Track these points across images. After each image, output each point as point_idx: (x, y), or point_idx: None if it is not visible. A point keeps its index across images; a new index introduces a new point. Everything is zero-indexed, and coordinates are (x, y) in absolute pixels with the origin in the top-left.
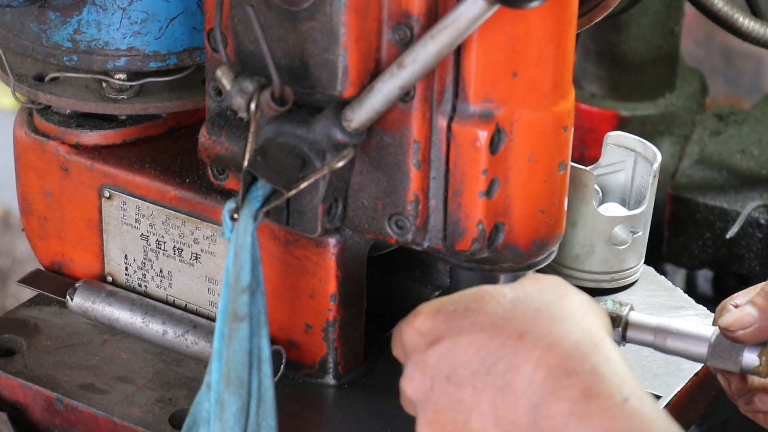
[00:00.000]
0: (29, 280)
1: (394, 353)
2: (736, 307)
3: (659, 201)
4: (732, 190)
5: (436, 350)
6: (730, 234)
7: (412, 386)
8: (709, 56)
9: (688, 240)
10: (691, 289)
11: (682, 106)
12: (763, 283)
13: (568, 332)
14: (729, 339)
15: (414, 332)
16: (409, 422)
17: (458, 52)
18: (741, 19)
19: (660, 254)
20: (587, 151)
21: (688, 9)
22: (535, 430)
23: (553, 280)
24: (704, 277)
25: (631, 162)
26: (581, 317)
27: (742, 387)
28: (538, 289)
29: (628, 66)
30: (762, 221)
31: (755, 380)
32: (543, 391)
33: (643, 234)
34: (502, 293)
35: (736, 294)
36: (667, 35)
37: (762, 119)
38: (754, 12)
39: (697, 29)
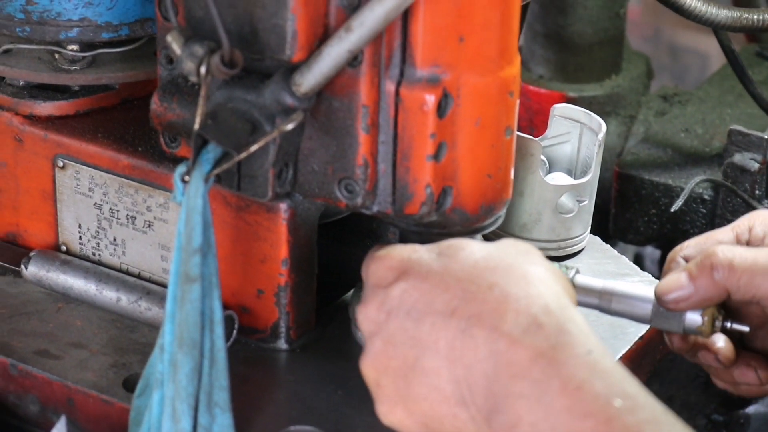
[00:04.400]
0: None
1: (363, 275)
2: (685, 259)
3: (606, 180)
4: (676, 167)
5: (401, 285)
6: (674, 207)
7: (365, 314)
8: (657, 52)
9: (634, 216)
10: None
11: (628, 88)
12: (702, 252)
13: (537, 293)
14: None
15: (382, 265)
16: (360, 386)
17: (405, 16)
18: None
19: (607, 231)
20: (536, 132)
21: (634, 7)
22: (492, 374)
23: (528, 246)
24: (651, 259)
25: (576, 133)
26: (551, 282)
27: (684, 346)
28: (512, 250)
29: (575, 48)
30: (706, 196)
31: (698, 338)
32: (508, 339)
33: (589, 203)
34: (477, 245)
35: (686, 243)
36: (613, 18)
37: (705, 99)
38: None
39: (644, 26)
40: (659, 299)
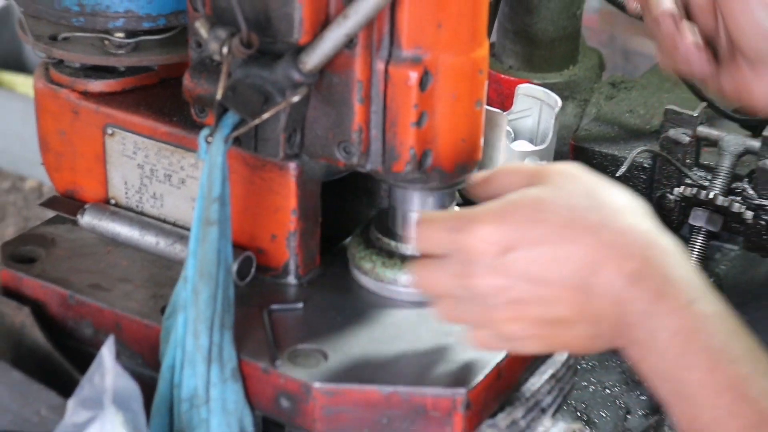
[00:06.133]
0: (48, 203)
1: (427, 242)
2: None
3: (564, 152)
4: (622, 141)
5: (512, 257)
6: (619, 173)
7: (484, 283)
8: (612, 55)
9: None
10: None
11: (583, 77)
12: None
13: (633, 239)
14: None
15: (479, 241)
16: (355, 313)
17: (393, 6)
18: None
19: None
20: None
21: (592, 16)
22: (621, 320)
23: (578, 177)
24: None
25: (537, 108)
26: (632, 212)
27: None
28: (579, 189)
29: (539, 43)
30: (645, 165)
31: None
32: (623, 292)
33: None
34: (553, 200)
35: None
36: (570, 18)
37: (647, 86)
38: None
39: (601, 32)
40: None
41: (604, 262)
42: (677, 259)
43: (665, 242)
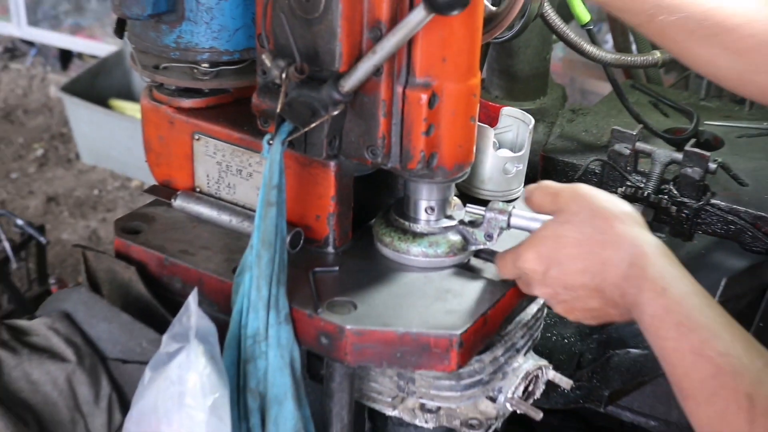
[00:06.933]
0: (150, 190)
1: (504, 272)
2: None
3: (535, 161)
4: (579, 152)
5: (550, 274)
6: (577, 176)
7: (541, 292)
8: (572, 93)
9: None
10: None
11: (551, 105)
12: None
13: (623, 248)
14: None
15: (528, 264)
16: (378, 274)
17: (410, 45)
18: (584, 44)
19: None
20: None
21: (557, 63)
22: (627, 307)
23: (584, 197)
24: None
25: (516, 125)
26: (624, 221)
27: None
28: (585, 212)
29: (517, 79)
30: (596, 170)
31: None
32: (622, 289)
33: (523, 168)
34: (567, 229)
35: None
36: (542, 61)
37: (599, 112)
38: (593, 41)
39: (564, 75)
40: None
41: (607, 270)
42: (654, 258)
43: (645, 244)
